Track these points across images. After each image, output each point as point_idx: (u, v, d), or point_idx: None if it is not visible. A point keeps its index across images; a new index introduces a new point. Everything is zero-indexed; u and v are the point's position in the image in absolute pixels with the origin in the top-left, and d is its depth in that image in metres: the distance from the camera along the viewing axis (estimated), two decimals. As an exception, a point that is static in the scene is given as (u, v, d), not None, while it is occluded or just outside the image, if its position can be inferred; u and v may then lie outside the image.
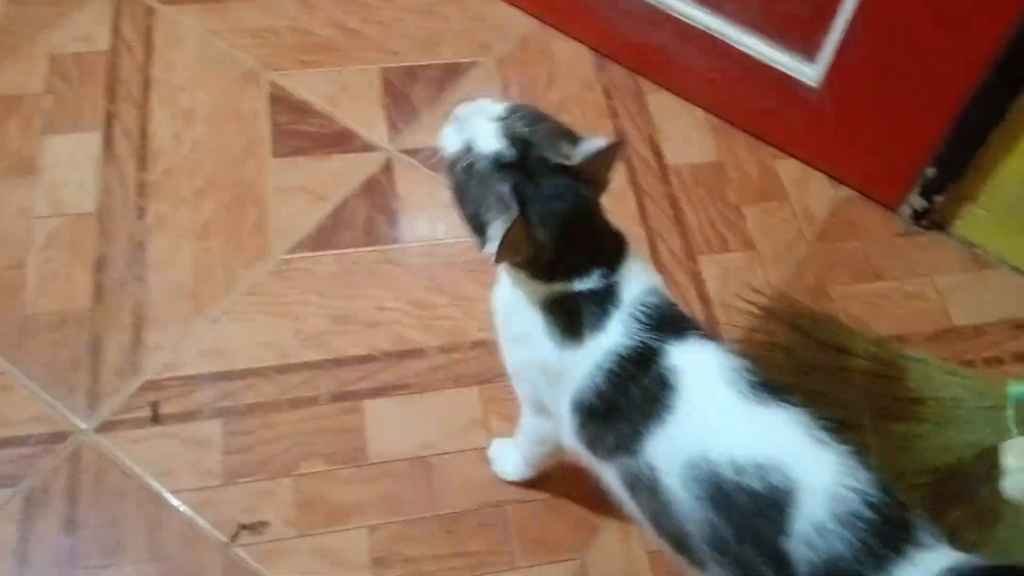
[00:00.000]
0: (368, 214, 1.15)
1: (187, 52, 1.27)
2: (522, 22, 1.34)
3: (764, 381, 0.69)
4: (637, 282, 0.72)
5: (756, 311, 1.09)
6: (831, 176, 1.20)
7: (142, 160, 1.17)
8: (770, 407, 0.67)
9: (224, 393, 1.01)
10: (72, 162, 1.16)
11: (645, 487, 0.70)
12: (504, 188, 0.68)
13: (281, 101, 1.24)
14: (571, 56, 1.32)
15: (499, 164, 0.68)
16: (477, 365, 1.05)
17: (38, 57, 1.25)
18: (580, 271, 0.71)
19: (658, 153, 1.23)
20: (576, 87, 1.28)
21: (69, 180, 1.15)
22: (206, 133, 1.20)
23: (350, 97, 1.25)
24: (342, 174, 1.18)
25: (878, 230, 1.19)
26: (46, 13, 1.29)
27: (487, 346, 1.05)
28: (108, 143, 1.18)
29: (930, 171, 1.11)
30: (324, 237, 1.13)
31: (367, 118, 1.23)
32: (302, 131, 1.21)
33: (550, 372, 0.75)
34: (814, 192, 1.21)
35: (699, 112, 1.27)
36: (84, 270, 1.08)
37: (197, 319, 1.06)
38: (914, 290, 1.14)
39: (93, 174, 1.15)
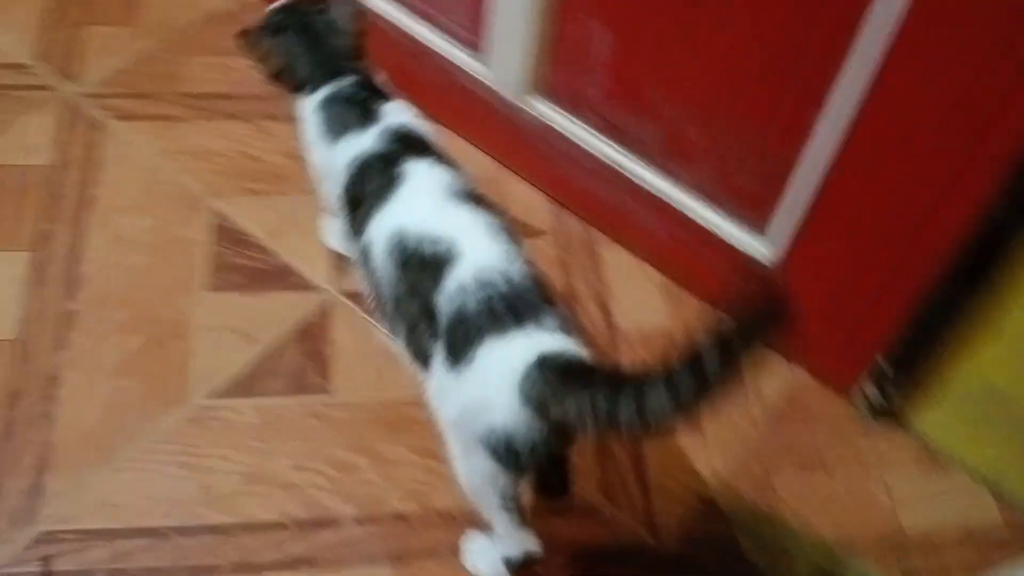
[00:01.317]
0: (298, 361, 1.10)
1: (132, 172, 1.24)
2: (479, 160, 1.31)
3: (472, 192, 0.88)
4: (395, 113, 0.95)
5: (697, 502, 1.04)
6: (785, 356, 1.16)
7: (70, 286, 1.12)
8: (465, 207, 0.86)
9: (120, 553, 0.95)
10: (-4, 285, 1.12)
11: (367, 259, 0.88)
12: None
13: (222, 231, 1.20)
14: (526, 199, 1.29)
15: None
16: (394, 542, 0.98)
17: (-25, 167, 1.21)
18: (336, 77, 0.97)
19: (607, 312, 1.19)
20: (528, 232, 1.25)
21: (-10, 305, 1.10)
22: (141, 261, 1.16)
23: (294, 231, 1.21)
24: (276, 314, 1.14)
25: (832, 419, 1.14)
26: (-10, 118, 1.26)
27: (407, 521, 1.00)
28: (37, 265, 1.13)
29: (884, 363, 1.07)
30: (248, 383, 1.08)
31: (309, 254, 1.19)
32: (240, 264, 1.17)
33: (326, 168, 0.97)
34: (767, 372, 1.17)
35: (652, 272, 1.23)
36: (-8, 405, 1.03)
37: (102, 467, 1.00)
38: (864, 488, 1.09)
39: (17, 297, 1.10)
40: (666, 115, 1.08)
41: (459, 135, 1.29)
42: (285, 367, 1.10)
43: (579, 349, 0.78)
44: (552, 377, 0.74)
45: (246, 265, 1.17)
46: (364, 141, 0.92)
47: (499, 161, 1.30)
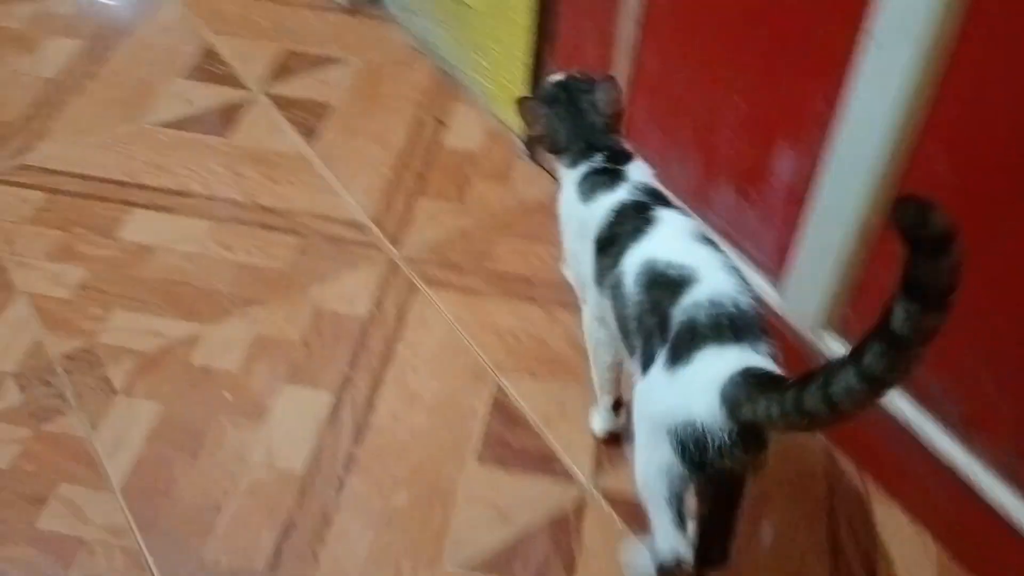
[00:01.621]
0: (547, 551, 1.12)
1: (432, 335, 1.35)
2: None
3: (710, 239, 1.02)
4: (639, 173, 1.10)
5: None
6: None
7: (359, 432, 1.22)
8: (706, 247, 1.00)
9: None
10: (298, 417, 1.23)
11: (616, 286, 1.02)
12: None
13: (500, 406, 1.26)
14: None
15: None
16: None
17: (304, 308, 1.37)
18: (594, 153, 1.12)
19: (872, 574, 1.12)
20: (797, 474, 1.21)
21: (289, 435, 1.21)
22: (423, 421, 1.24)
23: (565, 418, 1.25)
24: (534, 499, 1.17)
25: None
26: (324, 268, 1.43)
27: None
28: (335, 407, 1.25)
29: None
30: (496, 563, 1.10)
31: (576, 445, 1.23)
32: (509, 442, 1.22)
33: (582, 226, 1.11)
34: None
35: (930, 543, 1.14)
36: (271, 531, 1.11)
37: (351, 616, 1.06)
38: None
39: (312, 435, 1.22)
40: (976, 381, 1.03)
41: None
42: (534, 554, 1.12)
43: (781, 372, 0.88)
44: (751, 383, 0.85)
45: (514, 444, 1.22)
46: (618, 194, 1.08)
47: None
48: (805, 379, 0.76)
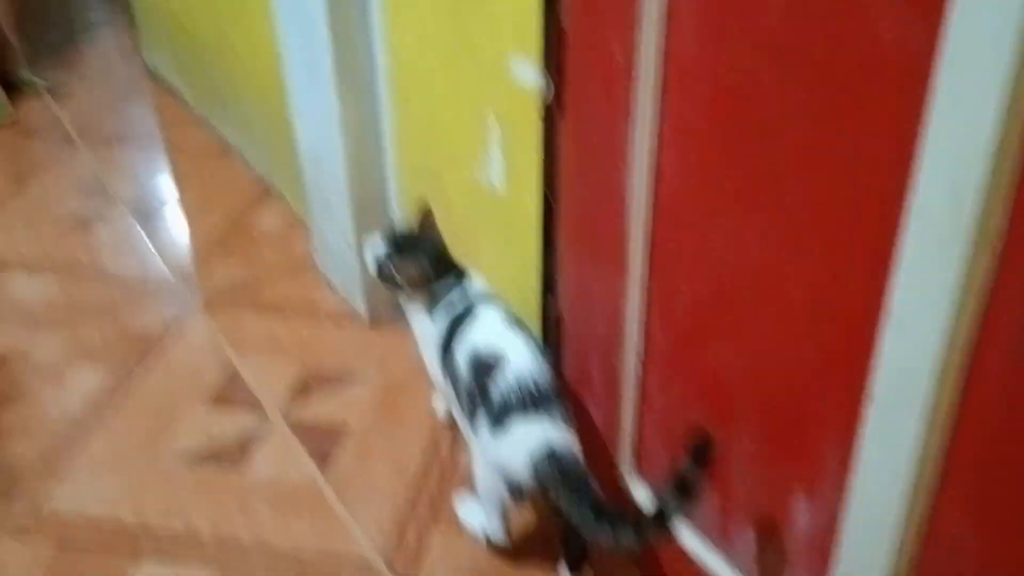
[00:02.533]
0: None
1: None
2: None
3: (517, 321, 1.38)
4: (472, 284, 1.47)
5: None
6: None
7: None
8: (511, 331, 1.35)
9: None
10: None
11: (453, 368, 1.37)
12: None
13: None
14: None
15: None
16: None
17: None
18: (445, 274, 1.48)
19: None
20: None
21: None
22: None
23: None
24: None
25: None
26: None
27: None
28: None
29: None
30: None
31: None
32: None
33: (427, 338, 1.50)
34: None
35: None
36: None
37: None
38: None
39: None
40: None
41: None
42: None
43: (575, 446, 1.25)
44: (556, 473, 1.19)
45: None
46: (454, 305, 1.43)
47: None
48: (598, 507, 1.15)
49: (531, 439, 1.22)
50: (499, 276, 1.56)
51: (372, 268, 1.52)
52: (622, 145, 1.16)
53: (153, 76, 3.20)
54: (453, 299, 1.44)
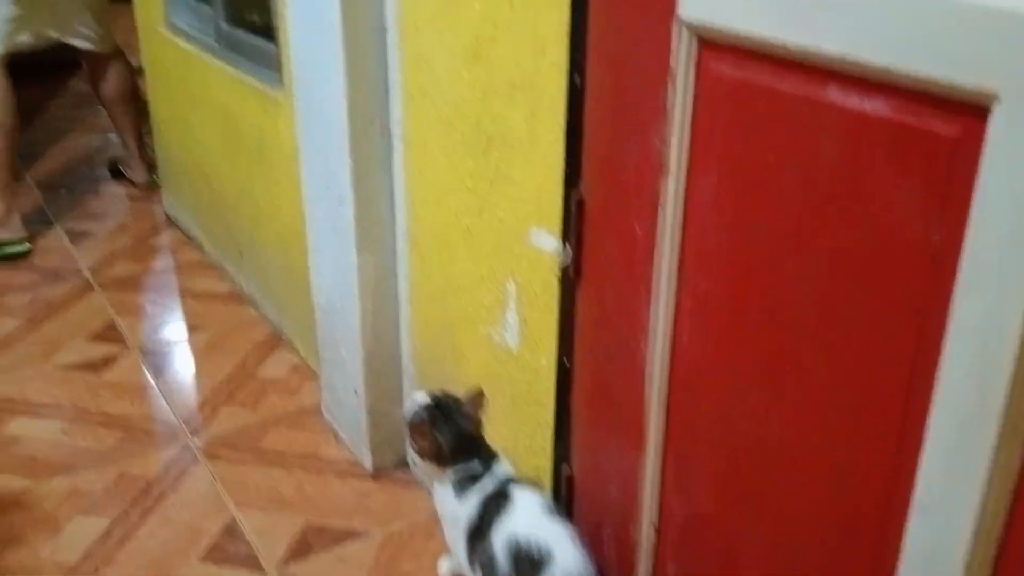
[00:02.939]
0: None
1: None
2: None
3: (555, 510, 1.36)
4: (501, 467, 1.43)
5: None
6: None
7: None
8: (554, 521, 1.33)
9: None
10: None
11: (487, 558, 1.33)
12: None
13: None
14: None
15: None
16: None
17: None
18: (467, 460, 1.42)
19: None
20: None
21: None
22: None
23: None
24: None
25: None
26: None
27: None
28: None
29: None
30: None
31: None
32: None
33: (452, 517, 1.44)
34: None
35: None
36: None
37: None
38: None
39: None
40: None
41: None
42: None
43: None
44: None
45: None
46: (485, 487, 1.39)
47: None
48: None
49: None
50: (511, 437, 1.56)
51: (408, 414, 1.48)
52: (640, 316, 1.18)
53: (172, 222, 3.28)
54: (483, 480, 1.40)
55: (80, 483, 1.93)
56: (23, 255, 3.00)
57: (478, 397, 1.45)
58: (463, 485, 1.40)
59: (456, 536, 1.42)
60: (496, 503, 1.35)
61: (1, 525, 1.80)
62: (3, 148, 2.96)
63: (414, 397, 1.50)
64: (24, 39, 2.98)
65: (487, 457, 1.43)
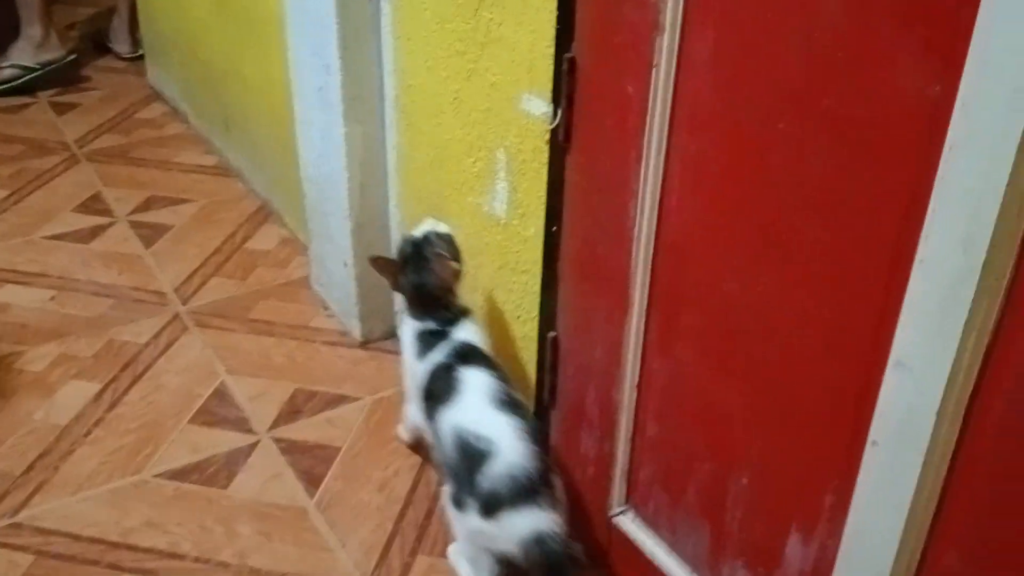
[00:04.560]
0: None
1: None
2: None
3: (507, 397, 1.33)
4: (462, 331, 1.43)
5: None
6: None
7: None
8: (502, 412, 1.30)
9: None
10: None
11: (436, 434, 1.35)
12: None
13: None
14: None
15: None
16: None
17: None
18: (428, 317, 1.45)
19: None
20: None
21: None
22: None
23: None
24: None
25: None
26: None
27: None
28: None
29: None
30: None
31: None
32: None
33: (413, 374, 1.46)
34: None
35: None
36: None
37: None
38: None
39: None
40: None
41: None
42: None
43: (563, 527, 1.24)
44: (543, 557, 1.22)
45: None
46: (436, 356, 1.40)
47: None
48: None
49: (521, 529, 1.23)
50: (499, 304, 1.57)
51: (400, 240, 1.53)
52: (629, 179, 1.17)
53: (157, 95, 3.21)
54: (440, 344, 1.41)
55: (70, 349, 1.95)
56: (71, 65, 3.24)
57: (446, 262, 1.44)
58: (422, 340, 1.44)
59: (412, 390, 1.47)
60: (446, 379, 1.36)
61: (-7, 388, 1.83)
62: None
63: (423, 223, 1.51)
64: None
65: (448, 319, 1.44)
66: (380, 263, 1.52)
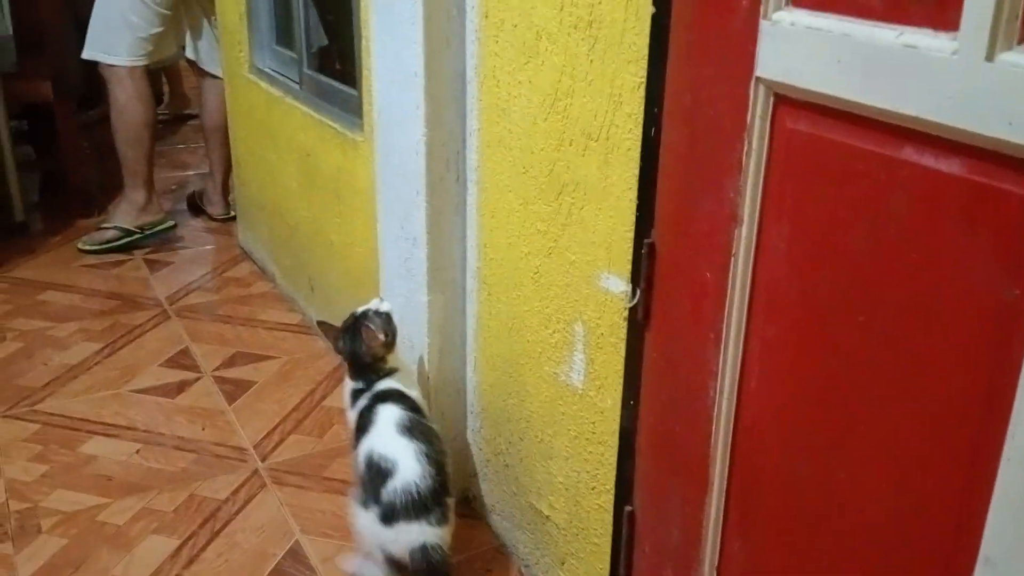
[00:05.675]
0: None
1: None
2: None
3: (412, 425, 1.63)
4: (382, 384, 1.71)
5: None
6: None
7: None
8: (404, 438, 1.60)
9: None
10: None
11: (355, 462, 1.65)
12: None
13: None
14: None
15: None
16: None
17: None
18: (359, 378, 1.75)
19: None
20: None
21: None
22: None
23: None
24: None
25: None
26: None
27: None
28: None
29: None
30: None
31: None
32: None
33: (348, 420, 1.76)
34: None
35: None
36: None
37: None
38: None
39: None
40: None
41: None
42: None
43: (447, 541, 1.57)
44: (425, 565, 1.53)
45: None
46: (362, 402, 1.69)
47: None
48: None
49: (411, 538, 1.53)
50: (573, 474, 1.58)
51: (358, 311, 1.76)
52: (708, 361, 1.21)
53: (246, 255, 3.39)
54: (364, 397, 1.69)
55: (152, 503, 2.00)
56: (170, 230, 3.50)
57: (373, 334, 1.70)
58: (354, 395, 1.72)
59: (351, 429, 1.73)
60: (367, 416, 1.65)
61: (75, 541, 1.88)
62: (147, 142, 3.28)
63: (370, 302, 1.78)
64: (169, 53, 3.43)
65: (373, 380, 1.71)
66: (324, 327, 1.80)
